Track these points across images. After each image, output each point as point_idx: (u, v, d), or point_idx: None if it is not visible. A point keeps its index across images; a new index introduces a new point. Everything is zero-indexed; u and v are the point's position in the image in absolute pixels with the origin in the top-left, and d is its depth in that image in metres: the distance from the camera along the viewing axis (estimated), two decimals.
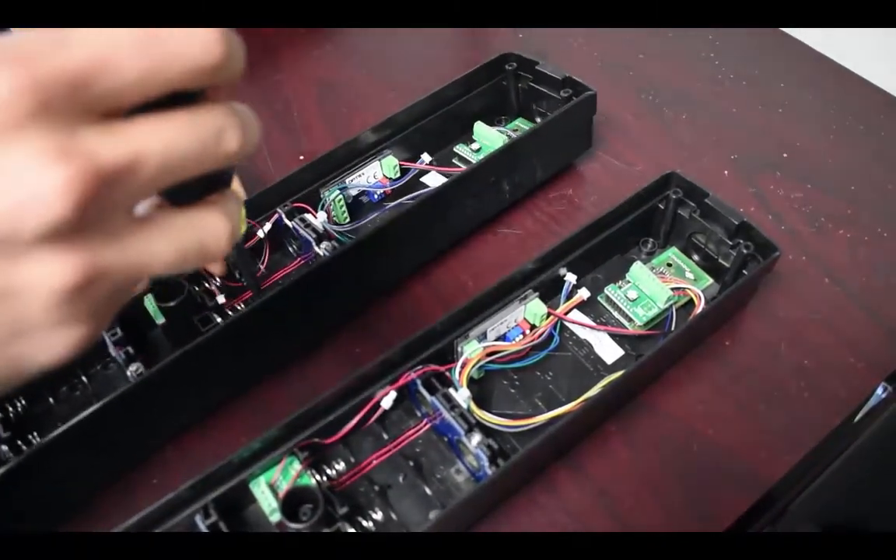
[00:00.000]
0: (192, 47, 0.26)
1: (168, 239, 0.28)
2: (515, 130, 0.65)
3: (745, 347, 0.54)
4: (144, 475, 0.50)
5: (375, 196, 0.61)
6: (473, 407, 0.48)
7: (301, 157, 0.67)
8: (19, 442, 0.50)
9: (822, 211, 0.62)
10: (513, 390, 0.51)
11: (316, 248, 0.55)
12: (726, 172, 0.65)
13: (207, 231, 0.29)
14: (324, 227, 0.56)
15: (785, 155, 0.66)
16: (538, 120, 0.66)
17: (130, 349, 0.51)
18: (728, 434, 0.50)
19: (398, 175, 0.62)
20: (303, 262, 0.57)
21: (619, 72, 0.74)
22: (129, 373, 0.50)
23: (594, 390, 0.49)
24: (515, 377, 0.52)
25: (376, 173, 0.61)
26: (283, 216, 0.57)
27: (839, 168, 0.65)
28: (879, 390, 0.53)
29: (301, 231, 0.56)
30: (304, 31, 0.78)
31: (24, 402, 0.52)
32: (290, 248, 0.59)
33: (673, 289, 0.53)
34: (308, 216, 0.57)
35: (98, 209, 0.25)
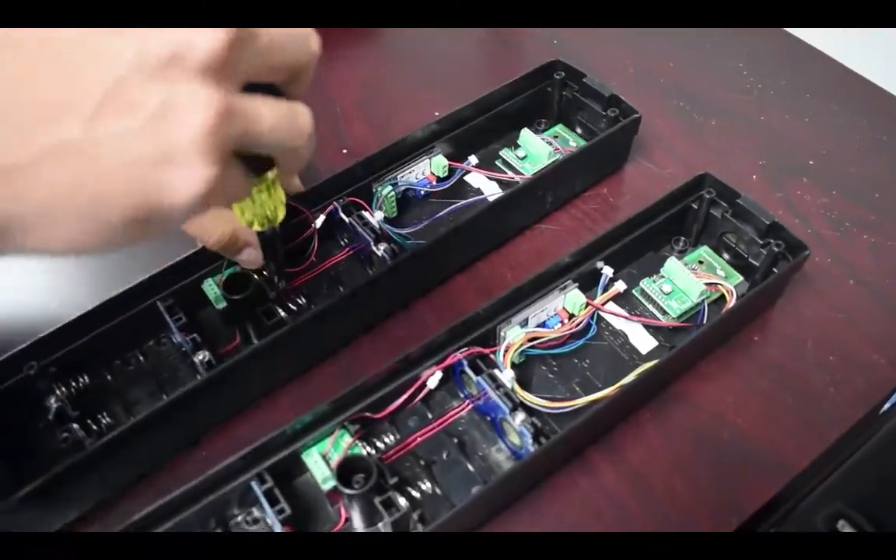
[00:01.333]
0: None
1: (271, 108, 0.34)
2: (555, 136, 0.68)
3: (773, 343, 0.56)
4: (195, 452, 0.53)
5: (421, 193, 0.64)
6: (517, 387, 0.50)
7: (344, 151, 0.70)
8: (88, 420, 0.52)
9: (846, 216, 0.65)
10: (551, 376, 0.53)
11: (374, 248, 0.56)
12: (754, 177, 0.67)
13: (299, 113, 0.36)
14: (380, 226, 0.58)
15: (811, 162, 0.69)
16: (578, 130, 0.68)
17: (198, 337, 0.53)
18: (756, 424, 0.52)
19: (446, 174, 0.64)
20: (351, 252, 0.60)
21: (651, 78, 0.76)
22: (196, 361, 0.52)
23: (630, 377, 0.51)
24: (554, 363, 0.54)
25: (424, 170, 0.64)
26: (340, 209, 0.59)
27: (863, 176, 0.68)
28: None
29: (359, 229, 0.58)
30: (345, 30, 0.81)
31: (86, 378, 0.54)
32: (341, 240, 0.61)
33: (706, 284, 0.55)
34: (365, 214, 0.59)
35: (233, 63, 0.31)
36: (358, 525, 0.47)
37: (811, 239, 0.62)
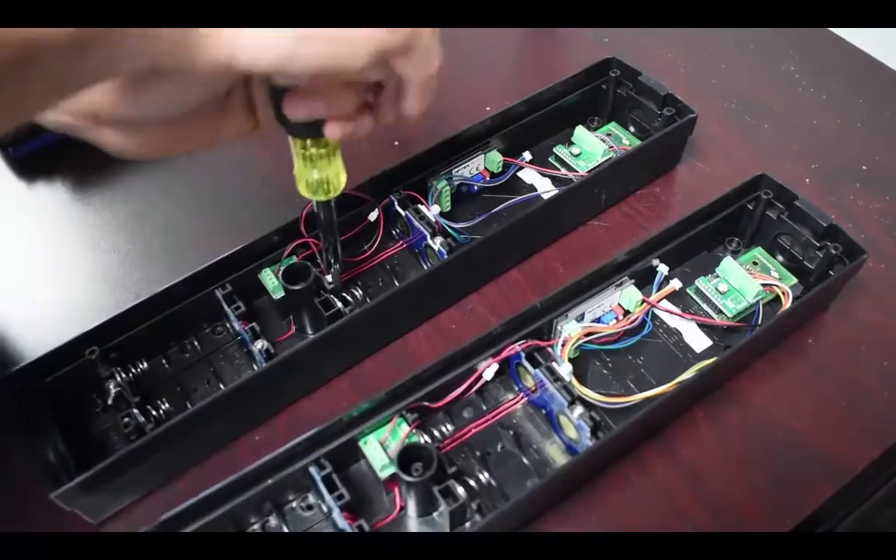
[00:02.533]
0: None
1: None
2: (608, 134, 0.68)
3: (828, 346, 0.56)
4: (250, 437, 0.54)
5: (475, 188, 0.64)
6: (575, 381, 0.50)
7: (395, 143, 0.70)
8: (148, 406, 0.53)
9: None
10: (606, 371, 0.53)
11: (430, 242, 0.57)
12: (807, 181, 0.67)
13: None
14: (437, 220, 0.58)
15: (864, 167, 0.68)
16: (631, 128, 0.68)
17: (256, 326, 0.53)
18: (811, 426, 0.52)
19: (500, 170, 0.65)
20: (406, 245, 0.60)
21: (702, 79, 0.76)
22: (255, 350, 0.53)
23: (686, 375, 0.51)
24: (608, 359, 0.54)
25: (479, 166, 0.64)
26: (396, 202, 0.59)
27: None
28: None
29: (416, 222, 0.58)
30: None
31: (145, 364, 0.55)
32: (393, 232, 0.61)
33: (762, 285, 0.55)
34: (422, 208, 0.59)
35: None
36: (413, 514, 0.48)
37: (864, 244, 0.61)
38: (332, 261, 0.55)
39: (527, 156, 0.66)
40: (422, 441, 0.48)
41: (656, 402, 0.48)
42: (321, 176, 0.46)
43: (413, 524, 0.48)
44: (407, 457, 0.46)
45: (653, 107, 0.66)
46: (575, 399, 0.48)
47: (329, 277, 0.56)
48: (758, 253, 0.59)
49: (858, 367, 0.55)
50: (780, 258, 0.59)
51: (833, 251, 0.55)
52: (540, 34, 0.83)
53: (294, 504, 0.48)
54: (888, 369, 0.55)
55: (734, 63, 0.78)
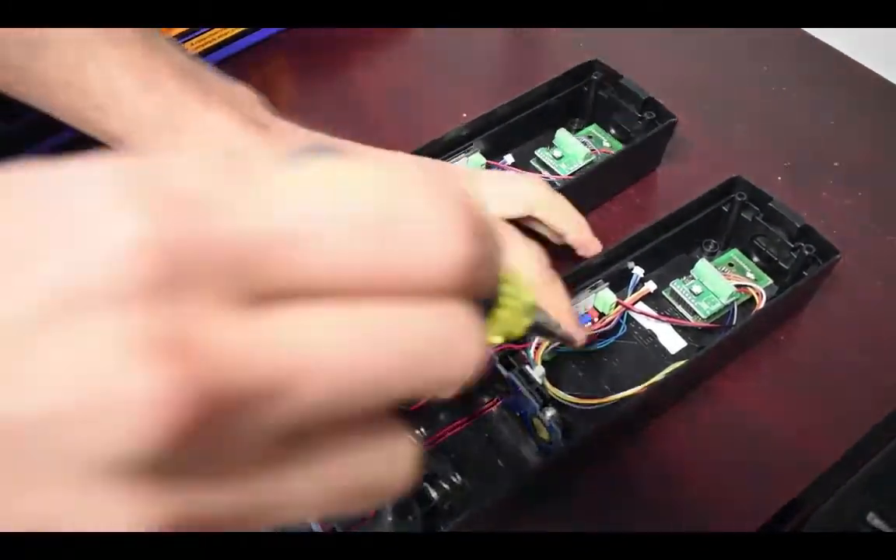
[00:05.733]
0: (440, 251, 0.18)
1: (314, 475, 0.19)
2: (590, 136, 0.68)
3: (803, 344, 0.57)
4: None
5: None
6: (548, 384, 0.51)
7: None
8: None
9: (872, 217, 0.65)
10: (581, 374, 0.54)
11: None
12: (780, 178, 0.68)
13: (384, 466, 0.20)
14: None
15: (836, 164, 0.69)
16: (613, 131, 0.69)
17: None
18: (785, 423, 0.53)
19: None
20: None
21: (677, 82, 0.77)
22: None
23: (659, 376, 0.52)
24: (583, 361, 0.54)
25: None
26: None
27: (889, 177, 0.69)
28: None
29: None
30: (372, 31, 0.82)
31: None
32: None
33: (736, 286, 0.56)
34: None
35: (215, 439, 0.16)
36: (388, 517, 0.48)
37: (837, 240, 0.62)
38: None
39: (509, 159, 0.66)
40: None
41: (630, 402, 0.49)
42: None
43: (388, 528, 0.48)
44: None
45: (633, 110, 0.66)
46: (547, 401, 0.49)
47: None
48: (734, 255, 0.59)
49: (834, 365, 0.56)
50: (757, 259, 0.59)
51: (806, 252, 0.55)
52: (512, 38, 0.84)
53: None
54: (863, 365, 0.56)
55: (706, 65, 0.79)
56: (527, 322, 0.27)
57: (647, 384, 0.51)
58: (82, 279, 0.15)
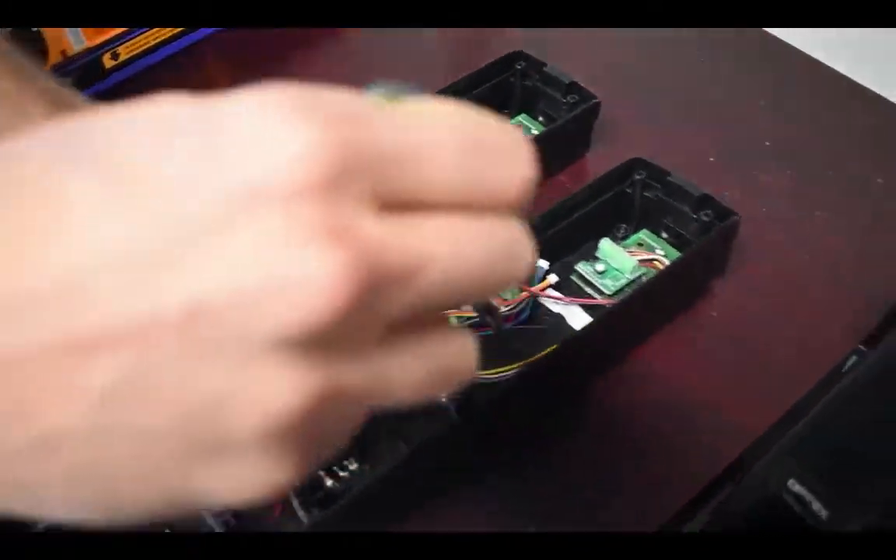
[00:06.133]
0: (515, 175, 0.22)
1: (419, 360, 0.23)
2: (518, 125, 0.69)
3: (731, 315, 0.57)
4: None
5: None
6: None
7: None
8: None
9: (802, 194, 0.66)
10: (487, 359, 0.54)
11: None
12: (712, 159, 0.68)
13: (458, 359, 0.24)
14: None
15: (767, 143, 0.70)
16: (540, 118, 0.69)
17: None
18: (716, 393, 0.53)
19: None
20: None
21: (611, 68, 0.77)
22: None
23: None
24: (491, 347, 0.54)
25: None
26: None
27: (817, 155, 0.69)
28: (856, 356, 0.55)
29: None
30: (308, 31, 0.82)
31: None
32: None
33: (640, 261, 0.56)
34: None
35: (363, 317, 0.20)
36: (296, 507, 0.48)
37: (767, 216, 0.64)
38: None
39: None
40: None
41: (530, 372, 0.50)
42: None
43: (298, 519, 0.48)
44: None
45: (559, 96, 0.67)
46: None
47: None
48: (643, 235, 0.60)
49: (762, 334, 0.56)
50: (666, 236, 0.59)
51: (705, 218, 0.56)
52: (457, 36, 0.84)
53: None
54: (791, 334, 0.56)
55: (641, 50, 0.80)
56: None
57: (543, 353, 0.51)
58: (264, 177, 0.18)
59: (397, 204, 0.20)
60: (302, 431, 0.20)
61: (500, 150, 0.22)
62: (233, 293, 0.18)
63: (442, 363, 0.23)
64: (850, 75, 0.76)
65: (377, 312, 0.20)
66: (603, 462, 0.50)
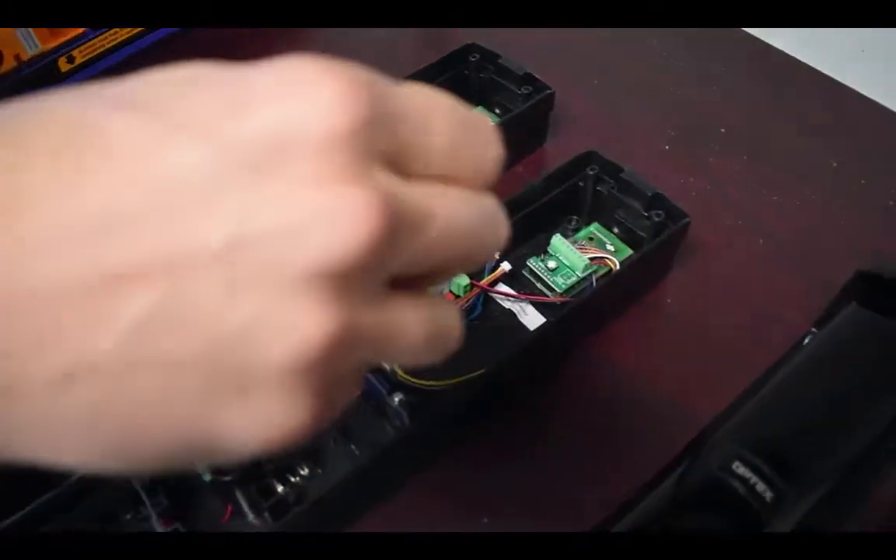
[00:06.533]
0: (491, 153, 0.25)
1: (419, 315, 0.24)
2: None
3: (685, 302, 0.58)
4: None
5: None
6: (397, 369, 0.51)
7: None
8: None
9: (756, 179, 0.67)
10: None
11: None
12: (667, 147, 0.69)
13: (448, 320, 0.26)
14: None
15: (722, 130, 0.70)
16: (497, 110, 0.70)
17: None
18: (671, 380, 0.54)
19: None
20: None
21: (567, 59, 0.78)
22: None
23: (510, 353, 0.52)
24: None
25: None
26: None
27: (772, 140, 0.70)
28: (809, 338, 0.56)
29: None
30: (265, 31, 0.82)
31: None
32: None
33: (591, 258, 0.56)
34: None
35: (381, 259, 0.21)
36: (248, 514, 0.49)
37: (722, 202, 0.65)
38: None
39: None
40: None
41: (478, 381, 0.50)
42: None
43: (250, 527, 0.49)
44: None
45: (514, 89, 0.67)
46: (395, 387, 0.50)
47: None
48: (594, 229, 0.60)
49: (717, 322, 0.57)
50: (617, 231, 0.60)
51: (656, 218, 0.56)
52: (417, 35, 0.84)
53: (129, 516, 0.48)
54: (745, 321, 0.57)
55: (597, 41, 0.80)
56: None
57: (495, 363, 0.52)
58: (299, 122, 0.20)
59: (400, 165, 0.23)
60: (322, 370, 0.21)
61: (479, 129, 0.25)
62: (271, 227, 0.20)
63: (437, 325, 0.25)
64: (805, 61, 0.77)
65: (390, 259, 0.22)
66: (555, 456, 0.51)
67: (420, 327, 0.24)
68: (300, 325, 0.20)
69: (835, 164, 0.68)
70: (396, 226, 0.21)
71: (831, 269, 0.59)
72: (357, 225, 0.20)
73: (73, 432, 0.21)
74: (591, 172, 0.59)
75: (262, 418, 0.21)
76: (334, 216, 0.20)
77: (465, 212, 0.24)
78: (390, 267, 0.23)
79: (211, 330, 0.20)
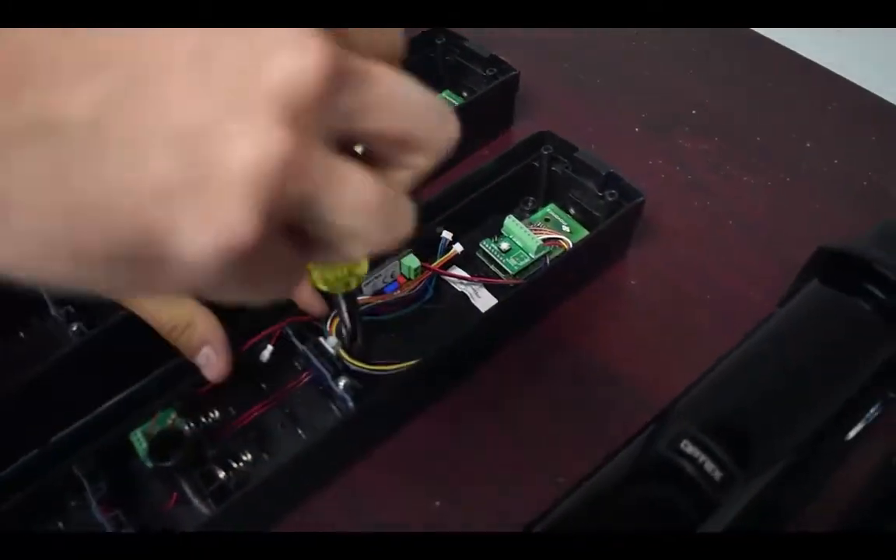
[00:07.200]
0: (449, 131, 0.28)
1: (368, 178, 0.25)
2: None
3: (649, 286, 0.58)
4: None
5: None
6: (343, 353, 0.50)
7: None
8: None
9: (727, 160, 0.66)
10: (393, 341, 0.54)
11: None
12: (637, 129, 0.68)
13: (399, 199, 0.26)
14: None
15: (694, 112, 0.69)
16: (464, 93, 0.69)
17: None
18: (628, 362, 0.53)
19: None
20: None
21: (536, 42, 0.77)
22: None
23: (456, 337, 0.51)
24: (392, 332, 0.54)
25: None
26: None
27: (744, 122, 0.69)
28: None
29: None
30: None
31: None
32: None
33: (544, 240, 0.55)
34: None
35: (329, 102, 0.23)
36: (193, 500, 0.48)
37: (691, 184, 0.64)
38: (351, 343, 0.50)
39: None
40: (186, 428, 0.49)
41: (423, 366, 0.49)
42: (343, 271, 0.39)
43: (196, 512, 0.48)
44: (164, 444, 0.47)
45: (480, 71, 0.66)
46: (339, 371, 0.49)
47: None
48: (550, 210, 0.59)
49: (682, 302, 0.56)
50: (573, 211, 0.59)
51: (610, 198, 0.55)
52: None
53: (73, 504, 0.47)
54: (711, 301, 0.56)
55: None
56: (352, 286, 0.39)
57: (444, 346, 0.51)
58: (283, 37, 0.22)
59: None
60: (273, 186, 0.22)
61: (442, 109, 0.28)
62: (239, 44, 0.22)
63: (387, 196, 0.25)
64: (781, 42, 0.75)
65: (339, 104, 0.24)
66: (507, 437, 0.51)
67: (368, 189, 0.25)
68: (259, 139, 0.21)
69: (808, 145, 0.67)
70: (345, 69, 0.23)
71: (801, 250, 0.57)
72: (314, 58, 0.22)
73: (26, 196, 0.21)
74: (545, 152, 0.58)
75: (211, 216, 0.22)
76: (294, 45, 0.22)
77: (407, 87, 0.26)
78: (339, 113, 0.24)
79: (179, 116, 0.21)
